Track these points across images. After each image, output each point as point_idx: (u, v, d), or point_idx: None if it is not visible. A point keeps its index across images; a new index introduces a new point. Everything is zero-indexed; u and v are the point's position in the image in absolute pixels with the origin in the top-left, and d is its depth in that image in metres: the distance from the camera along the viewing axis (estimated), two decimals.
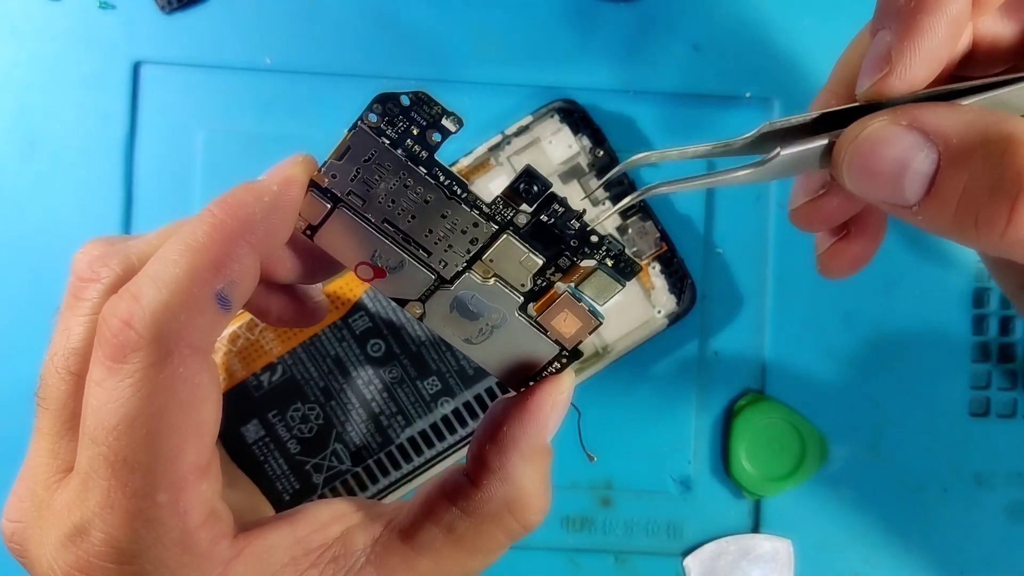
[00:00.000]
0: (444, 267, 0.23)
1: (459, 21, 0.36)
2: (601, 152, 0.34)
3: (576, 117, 0.34)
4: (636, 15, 0.36)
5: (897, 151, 0.20)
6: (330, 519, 0.24)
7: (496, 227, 0.22)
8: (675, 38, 0.36)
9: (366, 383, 0.33)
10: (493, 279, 0.23)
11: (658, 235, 0.34)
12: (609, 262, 0.23)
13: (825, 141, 0.21)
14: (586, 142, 0.34)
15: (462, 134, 0.38)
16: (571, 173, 0.34)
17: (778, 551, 0.35)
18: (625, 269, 0.23)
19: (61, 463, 0.22)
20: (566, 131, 0.34)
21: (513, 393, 0.24)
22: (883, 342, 0.36)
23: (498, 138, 0.34)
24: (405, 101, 0.21)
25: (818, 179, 0.23)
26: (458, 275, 0.23)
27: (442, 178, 0.22)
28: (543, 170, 0.34)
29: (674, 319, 0.34)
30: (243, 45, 0.36)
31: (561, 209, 0.22)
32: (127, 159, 0.36)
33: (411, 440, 0.33)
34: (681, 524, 0.36)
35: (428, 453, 0.33)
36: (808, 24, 0.36)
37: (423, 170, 0.22)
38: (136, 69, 0.36)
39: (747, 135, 0.22)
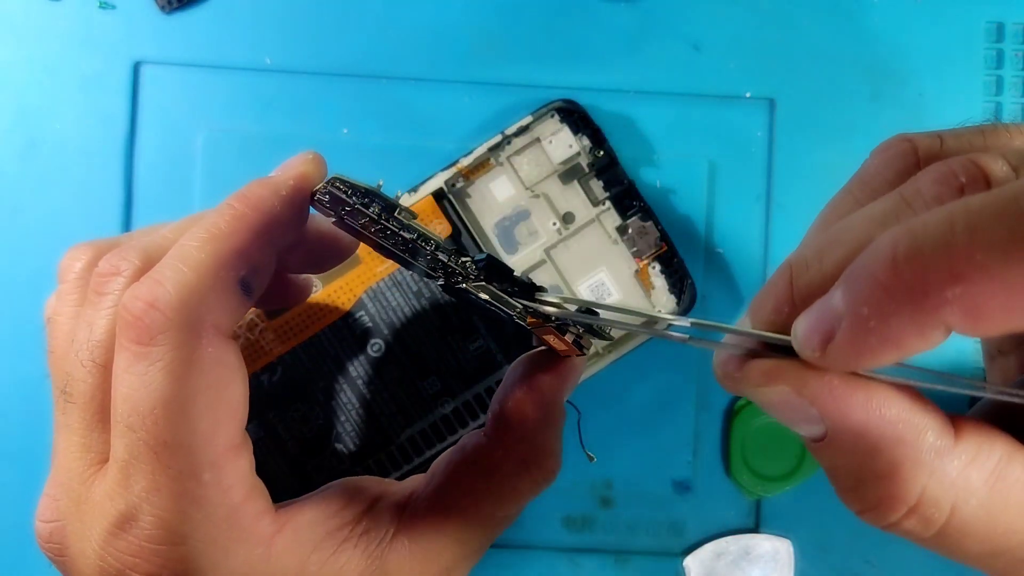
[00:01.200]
0: (441, 275, 0.23)
1: (459, 21, 0.36)
2: (601, 152, 0.34)
3: (576, 117, 0.34)
4: (636, 15, 0.36)
5: (790, 416, 0.19)
6: (356, 496, 0.24)
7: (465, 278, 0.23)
8: (675, 38, 0.36)
9: (366, 383, 0.33)
10: (486, 294, 0.23)
11: (658, 235, 0.34)
12: (569, 337, 0.22)
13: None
14: (586, 142, 0.34)
15: (462, 133, 0.38)
16: (571, 173, 0.34)
17: (778, 551, 0.35)
18: (585, 343, 0.23)
19: (95, 456, 0.22)
20: (566, 131, 0.34)
21: (532, 351, 0.25)
22: None
23: (498, 138, 0.34)
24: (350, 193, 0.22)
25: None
26: (456, 283, 0.23)
27: (406, 236, 0.23)
28: (543, 170, 0.34)
29: None
30: (243, 45, 0.36)
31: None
32: (127, 159, 0.36)
33: (411, 440, 0.33)
34: (681, 524, 0.36)
35: (428, 453, 0.33)
36: (808, 24, 0.36)
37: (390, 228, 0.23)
38: (136, 69, 0.36)
39: (684, 320, 0.21)
